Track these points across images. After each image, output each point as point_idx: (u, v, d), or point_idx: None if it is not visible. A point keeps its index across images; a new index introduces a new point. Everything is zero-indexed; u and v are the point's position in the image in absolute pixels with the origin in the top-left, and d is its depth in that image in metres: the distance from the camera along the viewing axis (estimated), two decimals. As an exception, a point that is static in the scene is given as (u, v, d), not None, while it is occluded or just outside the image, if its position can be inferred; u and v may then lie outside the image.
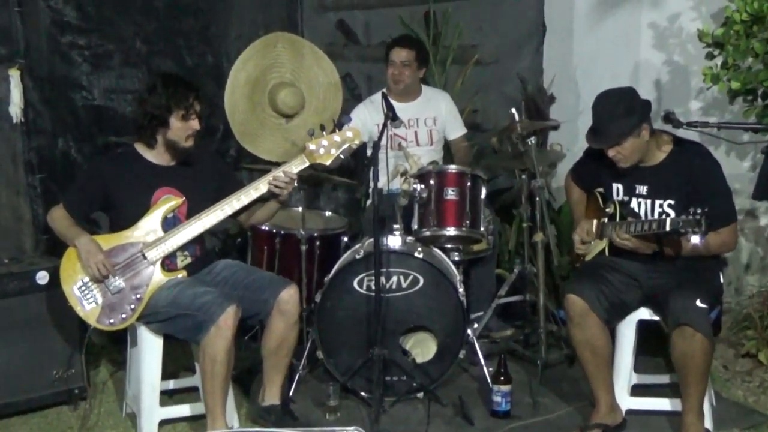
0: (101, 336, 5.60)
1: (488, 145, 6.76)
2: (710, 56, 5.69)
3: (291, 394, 5.34)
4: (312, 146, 4.88)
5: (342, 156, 4.96)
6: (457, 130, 6.51)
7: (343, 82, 6.32)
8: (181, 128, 4.82)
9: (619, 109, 4.73)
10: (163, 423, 4.99)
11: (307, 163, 4.91)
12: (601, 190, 5.10)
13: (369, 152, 6.25)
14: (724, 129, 4.67)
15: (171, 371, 5.32)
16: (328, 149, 4.89)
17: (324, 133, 4.92)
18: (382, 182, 5.79)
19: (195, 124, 4.85)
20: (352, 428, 4.31)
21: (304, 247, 5.70)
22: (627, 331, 4.97)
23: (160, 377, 4.92)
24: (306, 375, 5.58)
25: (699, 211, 4.32)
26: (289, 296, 4.85)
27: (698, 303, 4.55)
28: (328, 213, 6.46)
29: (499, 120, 6.96)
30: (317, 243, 5.85)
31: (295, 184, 4.92)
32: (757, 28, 5.44)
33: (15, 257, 5.61)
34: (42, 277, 5.16)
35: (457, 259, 5.81)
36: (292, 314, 4.87)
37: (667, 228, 4.51)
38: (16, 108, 6.03)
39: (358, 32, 7.91)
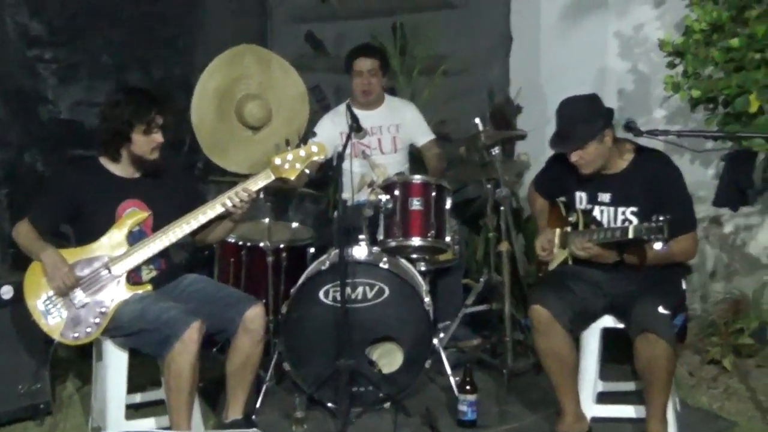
0: (68, 350, 5.53)
1: (456, 155, 6.77)
2: (671, 65, 5.73)
3: (258, 406, 5.34)
4: (277, 161, 4.88)
5: (307, 170, 4.97)
6: (424, 135, 6.51)
7: (312, 94, 6.31)
8: (144, 142, 4.81)
9: (583, 114, 4.78)
10: (129, 436, 4.97)
11: (273, 178, 4.90)
12: (563, 199, 5.13)
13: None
14: (684, 137, 4.69)
15: (138, 384, 5.29)
16: (293, 164, 4.89)
17: (289, 147, 4.93)
18: (348, 193, 5.85)
19: (158, 137, 4.83)
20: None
21: (270, 259, 5.72)
22: (591, 339, 4.98)
23: (126, 391, 4.90)
24: (273, 387, 5.58)
25: (661, 218, 4.36)
26: (254, 314, 4.83)
27: (661, 309, 4.58)
28: (295, 224, 6.45)
29: (467, 130, 6.96)
30: (283, 254, 5.86)
31: (259, 197, 4.93)
32: (716, 36, 5.48)
33: None
34: (6, 292, 5.11)
35: (423, 269, 5.85)
36: (258, 332, 4.85)
37: (630, 235, 4.55)
38: (-20, 122, 6.05)
39: (327, 44, 7.92)
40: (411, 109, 6.54)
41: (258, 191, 4.95)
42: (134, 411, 5.21)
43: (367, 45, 6.63)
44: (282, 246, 5.87)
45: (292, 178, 4.93)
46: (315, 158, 4.95)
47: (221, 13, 7.30)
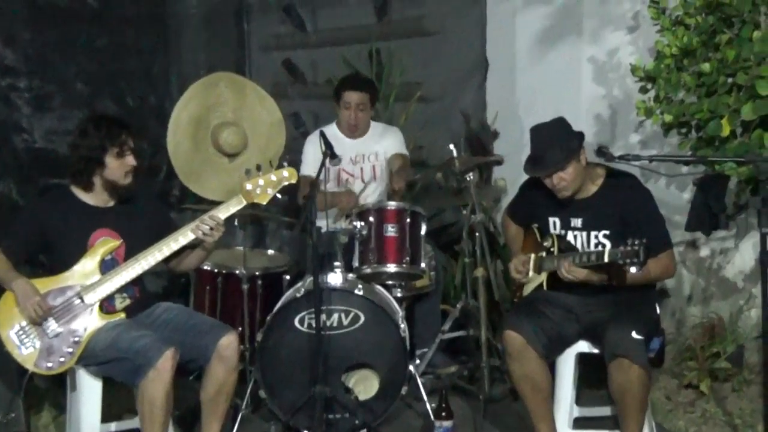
0: (44, 380, 5.51)
1: (433, 181, 6.78)
2: (644, 90, 5.76)
3: (234, 434, 5.32)
4: (248, 186, 4.87)
5: (279, 196, 4.96)
6: (396, 149, 6.42)
7: (291, 121, 6.33)
8: (118, 166, 4.82)
9: (557, 136, 4.82)
10: (104, 465, 4.94)
11: (244, 203, 4.89)
12: (537, 225, 5.13)
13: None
14: (657, 162, 4.70)
15: (114, 413, 5.25)
16: (264, 188, 4.88)
17: (260, 172, 4.93)
18: (323, 220, 5.86)
19: (131, 160, 4.84)
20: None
21: (245, 286, 5.71)
22: (566, 365, 4.97)
23: (100, 420, 4.87)
24: (249, 414, 5.55)
25: (636, 242, 4.36)
26: (228, 342, 4.80)
27: (633, 334, 4.57)
28: (271, 251, 6.46)
29: (444, 156, 6.95)
30: (259, 282, 5.83)
31: (223, 229, 4.88)
32: (687, 61, 5.51)
33: None
34: None
35: (399, 295, 5.84)
36: (232, 360, 4.82)
37: (606, 259, 4.55)
38: (-44, 152, 6.04)
39: (305, 71, 7.95)
40: (394, 135, 6.49)
41: (228, 218, 4.93)
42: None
43: (357, 77, 6.60)
44: (257, 273, 5.85)
45: (264, 203, 4.93)
46: (287, 182, 4.95)
47: (197, 42, 7.32)
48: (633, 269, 4.42)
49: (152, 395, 4.56)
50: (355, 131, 6.29)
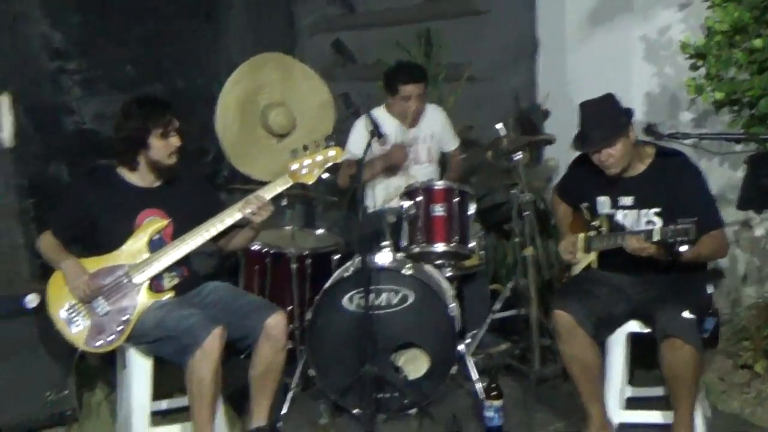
0: (96, 358, 5.58)
1: (484, 161, 6.75)
2: (694, 67, 5.67)
3: (284, 412, 5.36)
4: (294, 166, 4.90)
5: (324, 176, 4.97)
6: (452, 143, 6.54)
7: (340, 102, 6.34)
8: (162, 146, 4.84)
9: (607, 113, 4.80)
10: (155, 443, 5.01)
11: (291, 183, 4.92)
12: (587, 204, 5.10)
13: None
14: (707, 140, 4.66)
15: (166, 391, 5.30)
16: (310, 168, 4.90)
17: (306, 153, 4.93)
18: (380, 200, 5.94)
19: (175, 140, 4.87)
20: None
21: (294, 266, 5.72)
22: (617, 345, 4.94)
23: (151, 398, 4.93)
24: (299, 393, 5.58)
25: (688, 220, 4.32)
26: (276, 322, 4.83)
27: (685, 314, 4.53)
28: (320, 231, 6.46)
29: (493, 136, 6.95)
30: (308, 261, 5.85)
31: (271, 209, 4.90)
32: (739, 38, 5.42)
33: (7, 281, 5.68)
34: (31, 301, 5.17)
35: (449, 274, 5.84)
36: (279, 340, 4.85)
37: (655, 238, 4.51)
38: (6, 134, 6.08)
39: (354, 52, 7.94)
40: (441, 115, 6.51)
41: (276, 198, 4.98)
42: (161, 417, 5.25)
43: (412, 67, 6.49)
44: (306, 253, 5.86)
45: (310, 182, 4.96)
46: (332, 162, 4.96)
47: (245, 24, 7.35)
48: (683, 248, 4.38)
49: (200, 374, 4.60)
50: (415, 124, 6.26)
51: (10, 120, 6.09)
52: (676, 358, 4.51)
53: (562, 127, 6.56)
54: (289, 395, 5.44)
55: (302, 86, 6.43)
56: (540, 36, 7.34)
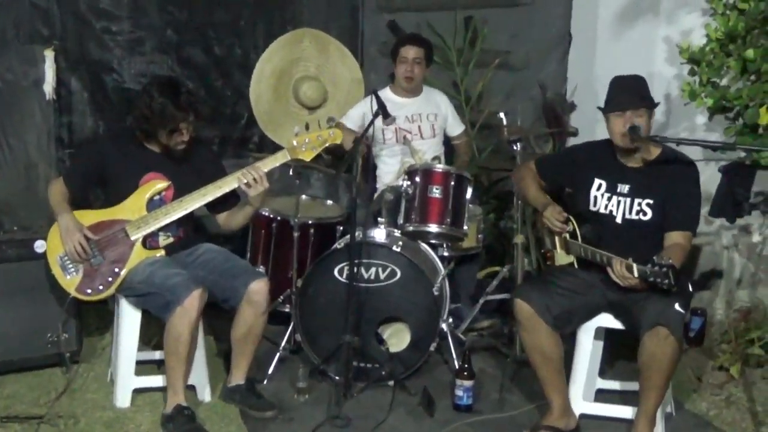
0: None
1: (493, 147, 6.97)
2: (692, 72, 5.74)
3: (270, 372, 5.59)
4: (295, 142, 5.13)
5: (324, 155, 5.26)
6: (457, 127, 6.77)
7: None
8: (168, 140, 5.08)
9: (638, 84, 4.97)
10: (139, 391, 5.25)
11: (289, 158, 5.15)
12: (569, 191, 5.22)
13: (375, 148, 6.52)
14: (686, 145, 4.75)
15: (158, 343, 5.54)
16: (309, 146, 5.14)
17: (308, 131, 5.17)
18: (389, 178, 6.15)
19: (182, 137, 5.08)
20: None
21: (296, 234, 5.91)
22: (585, 338, 5.03)
23: (137, 347, 5.20)
24: (288, 355, 5.82)
25: (664, 263, 4.39)
26: (258, 287, 5.06)
27: (676, 307, 4.59)
28: (330, 202, 6.68)
29: (522, 124, 7.10)
30: (311, 231, 6.08)
31: (266, 185, 5.06)
32: (733, 46, 5.46)
33: (24, 226, 5.90)
34: (40, 246, 5.34)
35: (445, 254, 6.02)
36: (261, 305, 5.08)
37: (635, 274, 4.55)
38: (49, 86, 6.41)
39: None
40: (444, 98, 6.75)
41: (287, 168, 5.37)
42: (156, 368, 5.52)
43: (414, 35, 6.81)
44: (310, 222, 6.08)
45: (307, 159, 5.18)
46: (332, 142, 5.19)
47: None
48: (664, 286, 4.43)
49: (178, 331, 4.86)
50: (411, 83, 6.48)
51: (52, 74, 6.41)
52: (658, 347, 4.55)
53: (587, 121, 6.72)
54: (276, 356, 5.66)
55: (336, 63, 6.70)
56: (574, 30, 7.43)
